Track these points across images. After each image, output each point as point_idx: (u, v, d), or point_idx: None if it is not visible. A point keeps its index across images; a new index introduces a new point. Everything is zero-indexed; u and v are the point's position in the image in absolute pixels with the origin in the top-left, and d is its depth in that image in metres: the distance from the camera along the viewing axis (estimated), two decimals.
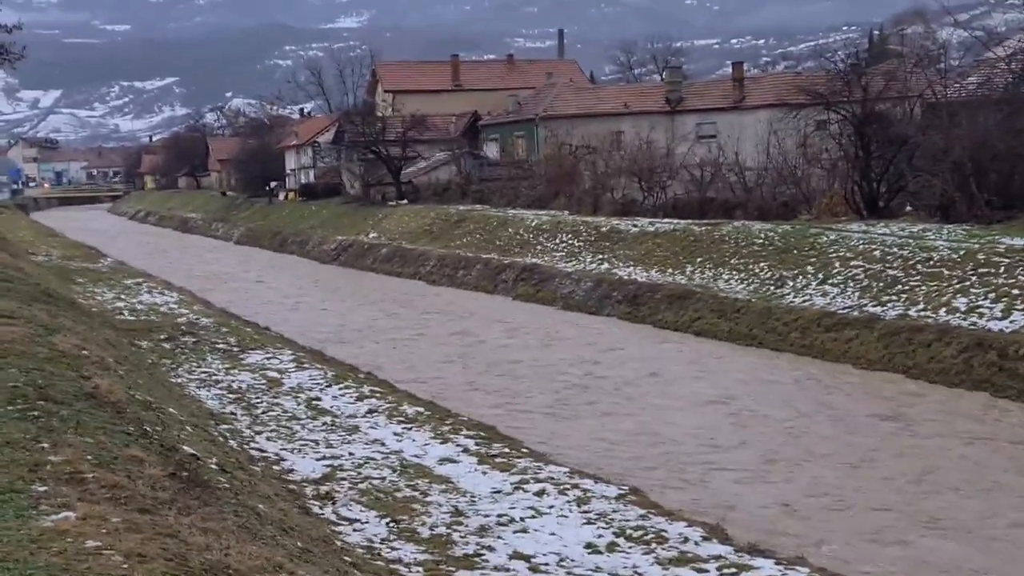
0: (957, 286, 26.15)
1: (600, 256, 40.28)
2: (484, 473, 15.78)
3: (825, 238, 32.93)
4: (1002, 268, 25.92)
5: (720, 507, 15.10)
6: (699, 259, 35.82)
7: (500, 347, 29.57)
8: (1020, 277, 25.10)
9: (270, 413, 19.50)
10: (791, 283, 30.92)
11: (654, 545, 12.79)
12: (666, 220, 42.08)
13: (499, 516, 13.72)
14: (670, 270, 36.01)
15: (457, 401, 22.07)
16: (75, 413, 11.20)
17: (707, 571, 11.96)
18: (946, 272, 27.10)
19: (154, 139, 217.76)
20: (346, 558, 11.10)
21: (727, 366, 25.87)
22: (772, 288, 31.18)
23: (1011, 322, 23.37)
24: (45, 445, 9.68)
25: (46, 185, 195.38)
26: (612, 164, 52.85)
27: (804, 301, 29.17)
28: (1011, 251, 26.76)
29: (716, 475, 16.88)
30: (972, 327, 23.77)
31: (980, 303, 24.84)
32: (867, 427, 19.60)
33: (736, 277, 33.18)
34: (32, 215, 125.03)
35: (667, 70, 79.03)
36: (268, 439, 17.47)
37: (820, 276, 30.45)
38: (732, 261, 34.43)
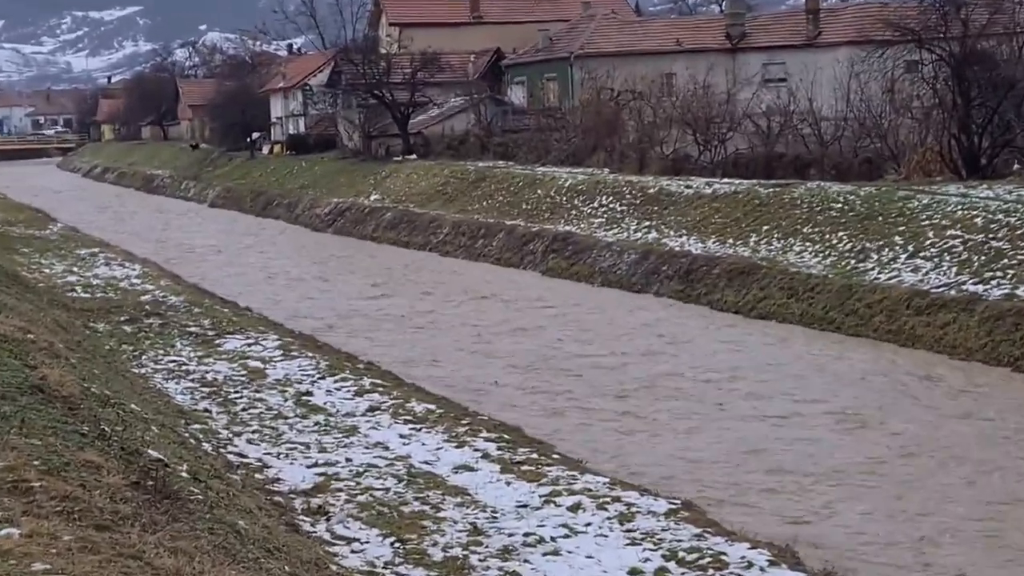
0: None
1: (647, 223, 40.19)
2: (508, 483, 15.79)
3: (916, 202, 32.74)
4: None
5: (791, 526, 15.07)
6: (765, 227, 35.70)
7: (527, 332, 29.56)
8: None
9: (252, 410, 19.55)
10: (875, 256, 30.77)
11: (711, 571, 12.80)
12: (726, 180, 41.92)
13: (525, 535, 13.73)
14: (730, 240, 35.92)
15: (474, 398, 22.10)
16: (19, 410, 11.24)
17: None
18: None
19: (113, 80, 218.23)
20: None
21: (814, 354, 25.83)
22: (852, 262, 31.05)
23: None
24: None
25: None
26: (661, 112, 52.69)
27: (891, 278, 29.03)
28: None
29: (792, 491, 16.83)
30: None
31: None
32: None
33: (809, 249, 33.05)
34: None
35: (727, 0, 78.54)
36: (249, 442, 17.52)
37: (910, 248, 30.29)
38: (805, 230, 34.30)
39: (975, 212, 30.56)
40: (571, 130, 57.28)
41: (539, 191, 47.90)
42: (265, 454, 16.84)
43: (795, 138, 46.50)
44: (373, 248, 50.08)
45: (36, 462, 9.57)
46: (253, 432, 18.09)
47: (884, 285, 28.65)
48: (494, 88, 74.09)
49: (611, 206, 43.06)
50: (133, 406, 15.44)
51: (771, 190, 38.09)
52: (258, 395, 20.66)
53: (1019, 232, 28.36)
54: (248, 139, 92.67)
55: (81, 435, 11.24)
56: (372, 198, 58.71)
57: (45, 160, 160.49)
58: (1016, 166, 37.10)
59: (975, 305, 25.79)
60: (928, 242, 30.10)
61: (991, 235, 28.90)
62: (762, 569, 12.84)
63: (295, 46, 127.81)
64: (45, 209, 71.42)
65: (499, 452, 17.33)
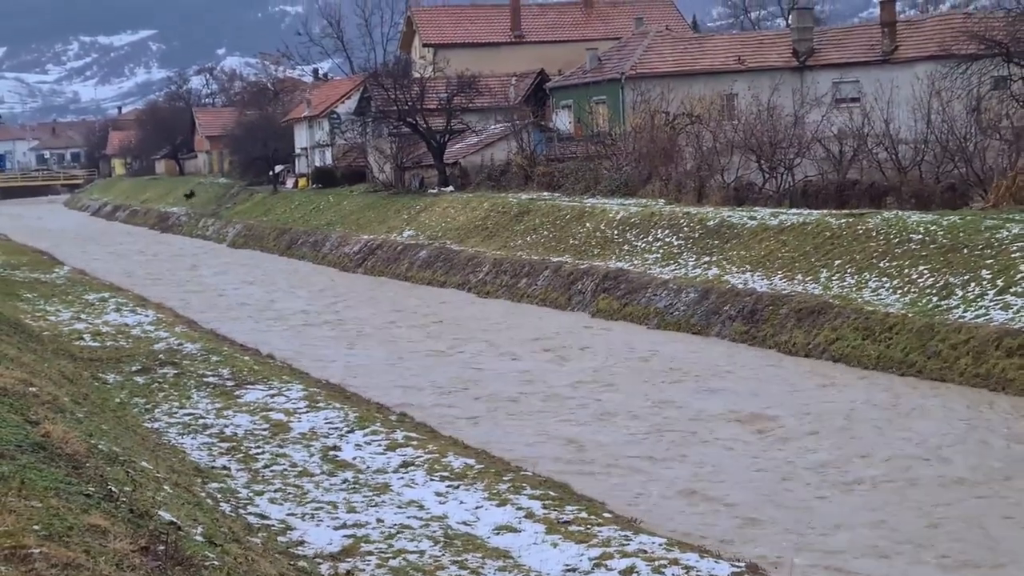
0: None
1: (707, 258, 40.14)
2: (554, 545, 15.75)
3: (1006, 232, 32.52)
4: None
5: None
6: (837, 262, 35.57)
7: (584, 384, 29.55)
8: None
9: (274, 467, 19.60)
10: (960, 292, 30.58)
11: None
12: (793, 210, 41.83)
13: None
14: (799, 276, 35.80)
15: (517, 452, 22.10)
16: (19, 469, 11.29)
17: None
18: None
19: (124, 111, 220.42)
20: None
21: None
22: (934, 299, 30.87)
23: None
24: None
25: None
26: (722, 137, 52.68)
27: (978, 316, 28.84)
28: None
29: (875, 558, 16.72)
30: None
31: None
32: None
33: (887, 285, 32.90)
34: None
35: (794, 13, 78.49)
36: (272, 501, 17.55)
37: (999, 283, 30.07)
38: (881, 264, 34.15)
39: None
40: (623, 158, 57.32)
41: (588, 224, 47.91)
42: (289, 515, 16.85)
43: (870, 163, 46.34)
44: (405, 288, 50.18)
45: (36, 526, 9.61)
46: (276, 491, 18.12)
47: (970, 324, 28.46)
48: (537, 113, 74.25)
49: (667, 240, 43.02)
50: (144, 464, 15.52)
51: (844, 221, 37.96)
52: (281, 450, 20.70)
53: None
54: (271, 172, 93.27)
55: (86, 496, 11.28)
56: (405, 234, 58.90)
57: (51, 197, 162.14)
58: None
59: None
60: (1019, 276, 29.88)
61: None
62: None
63: (321, 71, 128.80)
64: (50, 251, 72.11)
65: (544, 511, 17.29)
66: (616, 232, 45.79)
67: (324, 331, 39.63)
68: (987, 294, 29.84)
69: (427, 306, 44.23)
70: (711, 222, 42.56)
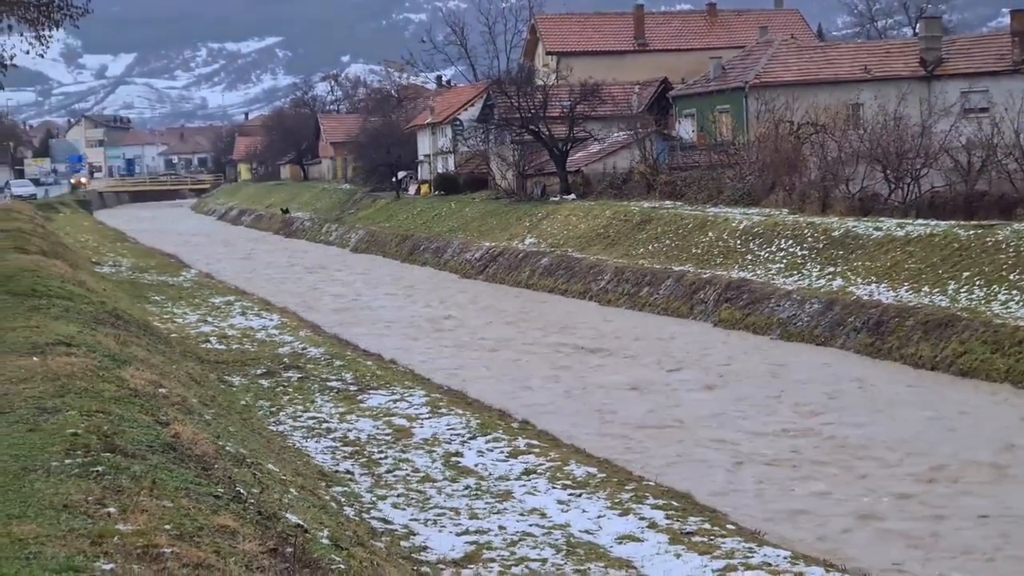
0: None
1: (831, 269, 39.76)
2: (677, 556, 15.66)
3: None
4: None
5: None
6: (965, 274, 35.06)
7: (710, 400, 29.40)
8: None
9: (397, 472, 19.68)
10: None
11: None
12: (920, 221, 41.31)
13: None
14: (925, 288, 35.35)
15: (631, 459, 22.01)
16: (150, 469, 11.43)
17: None
18: None
19: (250, 117, 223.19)
20: None
21: None
22: None
23: None
24: (112, 510, 9.89)
25: (86, 177, 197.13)
26: (847, 147, 52.16)
27: None
28: None
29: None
30: None
31: None
32: None
33: (1017, 298, 32.38)
34: (96, 214, 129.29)
35: (922, 21, 77.61)
36: (395, 506, 17.62)
37: None
38: (1011, 276, 33.61)
39: None
40: (746, 167, 56.96)
41: (710, 234, 47.67)
42: (411, 520, 16.92)
43: (999, 174, 45.65)
44: (526, 296, 50.20)
45: (167, 526, 9.71)
46: (398, 496, 18.19)
47: None
48: (660, 122, 73.94)
49: (791, 250, 42.67)
50: (270, 466, 15.64)
51: (972, 232, 37.41)
52: (404, 455, 20.80)
53: None
54: (393, 178, 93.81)
55: (215, 497, 11.39)
56: (527, 242, 58.97)
57: (179, 202, 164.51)
58: None
59: None
60: None
61: None
62: None
63: (444, 78, 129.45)
64: (177, 254, 73.17)
65: (667, 521, 17.20)
66: (739, 242, 45.50)
67: (446, 338, 39.74)
68: None
69: (553, 314, 44.25)
70: (835, 232, 42.15)
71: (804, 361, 32.84)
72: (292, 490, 14.72)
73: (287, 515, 12.17)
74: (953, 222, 39.98)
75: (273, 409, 24.17)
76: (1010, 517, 18.40)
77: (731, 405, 27.26)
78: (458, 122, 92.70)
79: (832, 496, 19.80)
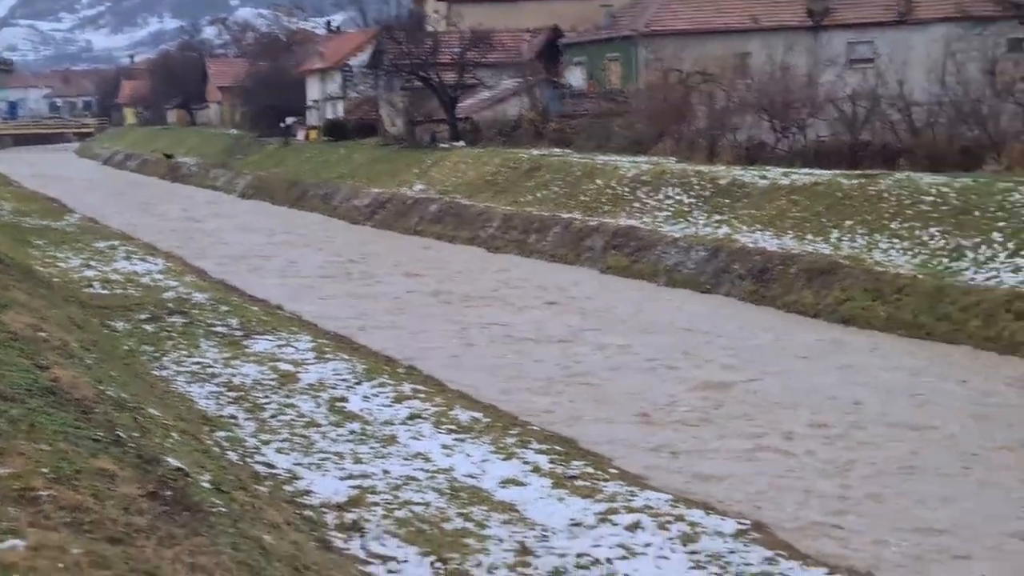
0: None
1: (717, 217, 40.07)
2: (560, 500, 15.77)
3: (1019, 195, 32.48)
4: None
5: (869, 546, 14.97)
6: (848, 222, 35.50)
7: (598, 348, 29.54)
8: None
9: (281, 417, 19.61)
10: (971, 255, 30.55)
11: None
12: (805, 170, 41.71)
13: (579, 556, 13.69)
14: (809, 236, 35.75)
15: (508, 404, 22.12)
16: (28, 413, 11.30)
17: None
18: None
19: (136, 60, 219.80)
20: None
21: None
22: (945, 261, 30.84)
23: None
24: None
25: None
26: (735, 96, 52.52)
27: (989, 278, 28.81)
28: None
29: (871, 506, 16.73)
30: None
31: None
32: None
33: (897, 246, 32.85)
34: None
35: None
36: (279, 451, 17.57)
37: (1011, 246, 30.05)
38: (892, 225, 34.09)
39: None
40: (635, 115, 57.18)
41: (599, 181, 47.82)
42: (295, 464, 16.88)
43: (883, 125, 46.16)
44: (414, 242, 50.16)
45: (45, 469, 9.61)
46: (283, 440, 18.14)
47: (981, 287, 28.43)
48: (550, 69, 74.01)
49: (678, 198, 42.94)
50: (153, 411, 15.52)
51: (856, 182, 37.87)
52: (289, 401, 20.72)
53: None
54: (282, 124, 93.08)
55: (94, 441, 11.28)
56: (416, 188, 58.82)
57: (63, 145, 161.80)
58: None
59: None
60: None
61: None
62: None
63: (333, 23, 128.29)
64: (61, 198, 72.07)
65: (551, 465, 17.31)
66: (627, 189, 45.70)
67: (335, 284, 39.61)
68: (998, 257, 29.84)
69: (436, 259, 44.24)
70: (722, 181, 42.48)
71: (692, 310, 33.12)
72: (174, 435, 14.62)
73: (168, 459, 12.08)
74: (837, 171, 40.42)
75: (157, 354, 23.94)
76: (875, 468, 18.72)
77: (617, 352, 27.44)
78: (348, 68, 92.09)
79: (711, 442, 20.02)
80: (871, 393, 22.92)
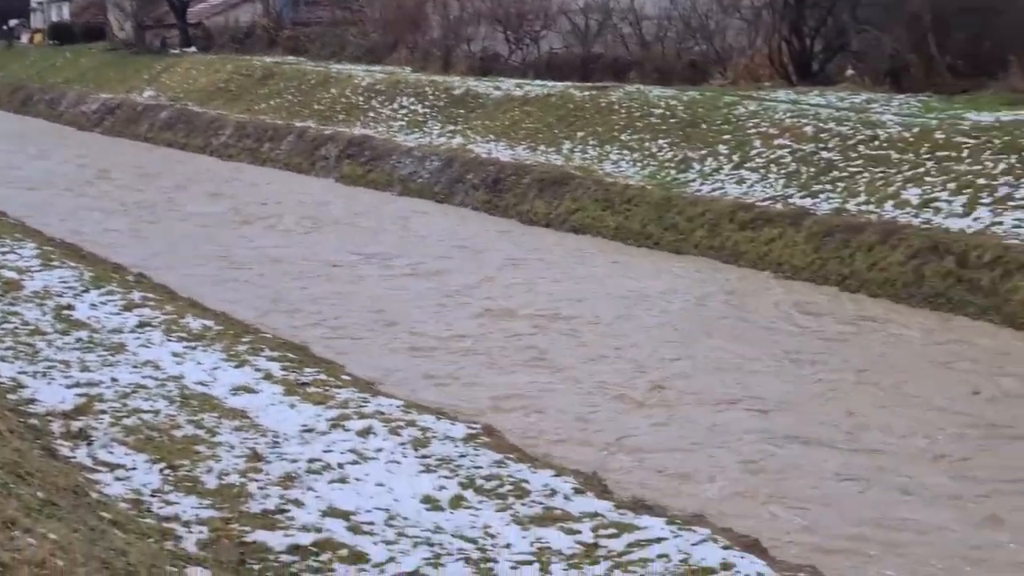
0: (908, 173, 26.67)
1: (452, 127, 40.19)
2: (292, 406, 15.69)
3: (743, 109, 33.27)
4: (965, 151, 26.49)
5: (599, 449, 15.32)
6: (580, 133, 35.95)
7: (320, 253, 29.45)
8: (987, 163, 25.71)
9: (5, 326, 19.07)
10: (697, 166, 31.23)
11: (512, 500, 12.87)
12: (538, 82, 42.09)
13: (310, 461, 13.66)
14: (542, 147, 36.10)
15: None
16: None
17: (579, 532, 12.08)
18: (895, 155, 27.60)
19: None
20: (104, 513, 10.96)
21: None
22: (673, 172, 31.46)
23: (974, 220, 23.95)
24: None
25: None
26: (469, 7, 52.57)
27: (714, 190, 29.50)
28: (977, 129, 27.36)
29: (594, 414, 17.10)
30: (926, 226, 24.32)
31: (937, 195, 25.41)
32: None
33: (627, 158, 33.41)
34: None
35: None
36: (1, 360, 17.12)
37: (735, 158, 30.79)
38: (623, 137, 34.63)
39: (805, 120, 31.17)
40: (370, 24, 56.89)
41: (333, 90, 47.52)
42: (19, 373, 16.44)
43: (614, 38, 46.81)
44: (145, 149, 49.28)
45: None
46: (6, 349, 17.65)
47: (706, 198, 29.10)
48: None
49: (413, 108, 42.95)
50: None
51: (587, 93, 38.33)
52: (12, 308, 20.14)
53: (851, 142, 29.01)
54: (4, 26, 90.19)
55: None
56: (146, 95, 57.66)
57: None
58: (850, 72, 37.86)
59: (802, 220, 26.34)
60: (754, 152, 30.64)
61: (821, 145, 29.51)
62: (567, 497, 12.96)
63: None
64: None
65: (283, 372, 17.21)
66: (361, 99, 45.53)
67: (59, 191, 38.65)
68: (723, 169, 30.56)
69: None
70: (456, 91, 42.60)
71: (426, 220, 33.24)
72: None
73: None
74: (569, 83, 40.87)
75: None
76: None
77: (344, 254, 27.45)
78: None
79: (436, 349, 20.21)
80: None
